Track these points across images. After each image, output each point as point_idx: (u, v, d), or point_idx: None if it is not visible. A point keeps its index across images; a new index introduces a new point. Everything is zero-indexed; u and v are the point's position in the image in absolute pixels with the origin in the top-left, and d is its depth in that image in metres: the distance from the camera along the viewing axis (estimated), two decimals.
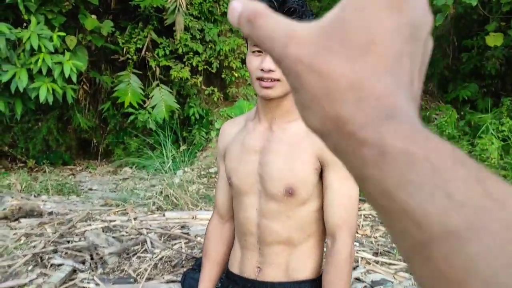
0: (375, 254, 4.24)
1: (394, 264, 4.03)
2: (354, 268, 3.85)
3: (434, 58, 8.66)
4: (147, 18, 8.03)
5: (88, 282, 3.21)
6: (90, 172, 7.64)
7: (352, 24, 0.26)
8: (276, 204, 1.31)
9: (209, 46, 8.19)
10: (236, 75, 8.38)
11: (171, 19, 7.55)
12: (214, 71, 8.22)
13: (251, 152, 1.36)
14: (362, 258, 4.09)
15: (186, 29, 7.88)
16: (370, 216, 5.44)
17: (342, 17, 0.26)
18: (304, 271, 1.34)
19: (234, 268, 1.43)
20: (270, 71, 1.25)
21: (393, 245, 4.48)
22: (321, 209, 1.32)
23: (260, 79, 1.28)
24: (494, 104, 7.65)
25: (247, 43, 1.35)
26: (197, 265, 3.01)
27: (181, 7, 7.33)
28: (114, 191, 6.30)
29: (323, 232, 1.36)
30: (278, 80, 1.27)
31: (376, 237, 4.75)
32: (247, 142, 1.38)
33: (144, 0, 7.49)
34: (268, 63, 1.25)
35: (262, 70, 1.26)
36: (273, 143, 1.33)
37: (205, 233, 1.55)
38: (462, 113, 7.69)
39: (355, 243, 4.43)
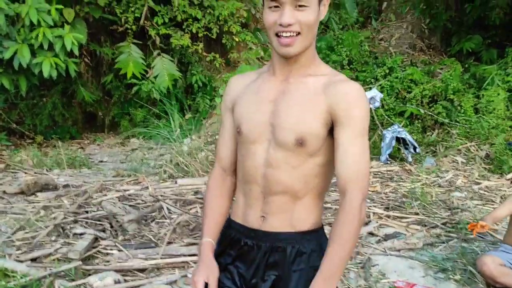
0: (386, 209, 4.32)
1: (405, 218, 4.12)
2: (367, 223, 3.93)
3: (437, 11, 8.52)
4: None
5: (111, 249, 3.31)
6: (98, 144, 7.70)
7: None
8: (284, 154, 1.31)
9: (208, 11, 8.06)
10: (237, 39, 8.28)
11: None
12: (214, 37, 8.12)
13: (265, 101, 1.36)
14: (374, 213, 4.17)
15: None
16: (379, 173, 5.50)
17: None
18: (307, 222, 1.36)
19: (237, 218, 1.43)
20: (289, 25, 1.25)
21: (404, 199, 4.56)
22: (326, 165, 1.34)
23: (278, 35, 1.27)
24: (499, 55, 7.57)
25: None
26: None
27: None
28: (125, 162, 6.37)
29: (325, 187, 1.39)
30: (299, 33, 1.26)
31: (386, 192, 4.83)
32: (261, 91, 1.38)
33: None
34: (286, 17, 1.24)
35: (280, 25, 1.25)
36: (288, 94, 1.33)
37: (207, 185, 1.52)
38: (466, 66, 7.62)
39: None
